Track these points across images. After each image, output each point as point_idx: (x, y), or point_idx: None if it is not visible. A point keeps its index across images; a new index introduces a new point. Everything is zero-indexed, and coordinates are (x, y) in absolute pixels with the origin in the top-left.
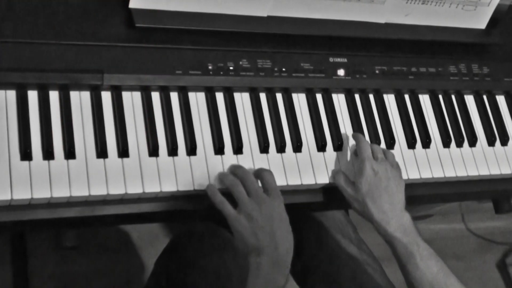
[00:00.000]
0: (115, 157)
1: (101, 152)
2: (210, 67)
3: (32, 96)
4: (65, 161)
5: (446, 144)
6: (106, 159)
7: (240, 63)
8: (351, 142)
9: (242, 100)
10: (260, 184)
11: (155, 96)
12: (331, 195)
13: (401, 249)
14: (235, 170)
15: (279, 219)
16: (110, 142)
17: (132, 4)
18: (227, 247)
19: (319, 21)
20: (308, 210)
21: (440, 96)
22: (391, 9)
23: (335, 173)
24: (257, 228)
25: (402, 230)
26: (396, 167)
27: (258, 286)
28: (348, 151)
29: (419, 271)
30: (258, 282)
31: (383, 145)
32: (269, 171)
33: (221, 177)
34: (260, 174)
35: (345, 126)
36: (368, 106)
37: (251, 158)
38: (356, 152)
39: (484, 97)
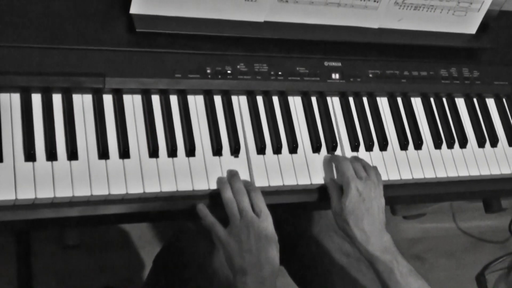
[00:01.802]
0: (116, 158)
1: (103, 153)
2: (208, 71)
3: (36, 99)
4: (68, 162)
5: (437, 145)
6: (107, 160)
7: (238, 67)
8: (346, 143)
9: (240, 103)
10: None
11: (155, 99)
12: (326, 195)
13: (381, 267)
14: (233, 184)
15: (265, 240)
16: (112, 144)
17: (132, 10)
18: None
19: (314, 26)
20: (303, 209)
21: (432, 99)
22: (384, 14)
23: (329, 183)
24: (243, 250)
25: (381, 249)
26: (378, 183)
27: None
28: (340, 153)
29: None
30: None
31: (376, 146)
32: (258, 192)
33: (219, 187)
34: (249, 195)
35: (340, 128)
36: (362, 108)
37: (248, 159)
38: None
39: (475, 100)
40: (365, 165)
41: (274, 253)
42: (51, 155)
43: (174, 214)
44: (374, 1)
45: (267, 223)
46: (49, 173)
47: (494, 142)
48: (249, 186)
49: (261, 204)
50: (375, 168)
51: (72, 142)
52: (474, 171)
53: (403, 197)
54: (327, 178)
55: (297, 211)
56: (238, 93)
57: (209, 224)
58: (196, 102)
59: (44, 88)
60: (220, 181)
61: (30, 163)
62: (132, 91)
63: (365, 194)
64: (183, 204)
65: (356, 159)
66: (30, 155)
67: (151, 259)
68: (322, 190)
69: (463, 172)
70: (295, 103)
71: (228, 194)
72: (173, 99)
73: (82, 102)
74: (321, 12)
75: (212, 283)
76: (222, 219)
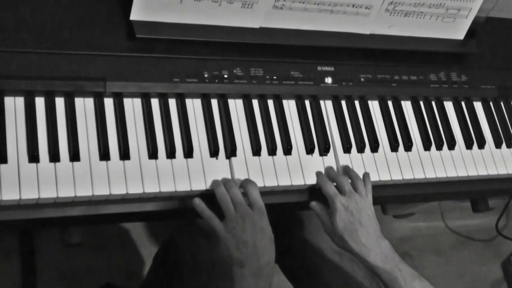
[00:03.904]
0: (117, 159)
1: (104, 155)
2: (206, 75)
3: (39, 102)
4: (70, 163)
5: (426, 147)
6: (108, 161)
7: (234, 71)
8: (338, 145)
9: (236, 106)
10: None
11: (155, 103)
12: (318, 195)
13: (385, 276)
14: (225, 181)
15: (261, 232)
16: (112, 146)
17: (133, 16)
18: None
19: (308, 32)
20: (297, 209)
21: (421, 103)
22: (375, 21)
23: (315, 207)
24: (240, 242)
25: (382, 258)
26: (367, 193)
27: None
28: (332, 154)
29: None
30: None
31: (368, 148)
32: (254, 185)
33: (213, 186)
34: (245, 187)
35: (333, 131)
36: (354, 112)
37: (244, 161)
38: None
39: (462, 103)
40: (352, 177)
41: (269, 243)
42: (54, 156)
43: (173, 214)
44: (366, 8)
45: (261, 214)
46: (52, 174)
47: (481, 144)
48: (244, 180)
49: (256, 196)
50: (366, 175)
51: (74, 144)
52: (462, 172)
53: (393, 197)
54: (312, 203)
55: (291, 211)
56: (235, 96)
57: (206, 218)
58: (194, 106)
59: (47, 92)
60: (213, 181)
61: (34, 164)
62: (132, 95)
63: (352, 206)
64: (182, 204)
65: (344, 170)
66: (33, 157)
67: (151, 257)
68: (315, 190)
69: (452, 173)
70: (290, 106)
71: (221, 189)
72: (172, 103)
73: (84, 106)
74: (314, 18)
75: (210, 280)
76: (221, 218)
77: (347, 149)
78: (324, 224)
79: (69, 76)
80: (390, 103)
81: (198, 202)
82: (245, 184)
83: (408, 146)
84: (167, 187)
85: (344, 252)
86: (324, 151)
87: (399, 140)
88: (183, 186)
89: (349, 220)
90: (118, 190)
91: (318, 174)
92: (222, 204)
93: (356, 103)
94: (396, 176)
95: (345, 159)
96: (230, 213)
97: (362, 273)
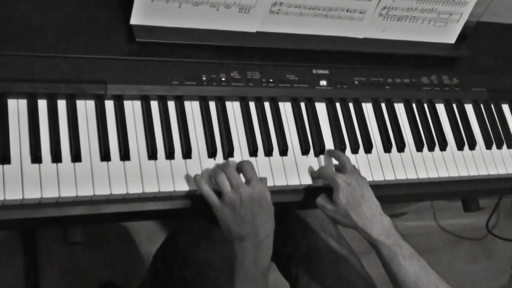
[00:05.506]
0: (117, 160)
1: (105, 156)
2: (204, 78)
3: (42, 104)
4: (72, 164)
5: (419, 148)
6: (109, 162)
7: (232, 74)
8: (333, 146)
9: (233, 108)
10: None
11: (154, 105)
12: (314, 195)
13: (385, 251)
14: (220, 165)
15: (258, 206)
16: (113, 147)
17: (133, 21)
18: (219, 242)
19: (303, 36)
20: (293, 208)
21: (414, 105)
22: (369, 25)
23: (318, 200)
24: (238, 217)
25: (384, 233)
26: (359, 171)
27: (244, 269)
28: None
29: (403, 270)
30: (244, 264)
31: (361, 149)
32: (248, 162)
33: (209, 172)
34: (239, 165)
35: (327, 132)
36: (348, 114)
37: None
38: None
39: (454, 105)
40: (344, 161)
41: (268, 216)
42: (56, 157)
43: (172, 213)
44: (360, 12)
45: (258, 188)
46: (54, 174)
47: (472, 145)
48: (239, 162)
49: (251, 172)
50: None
51: (75, 145)
52: (453, 172)
53: (386, 197)
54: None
55: (287, 210)
56: (232, 99)
57: (204, 194)
58: (192, 108)
59: (50, 94)
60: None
61: (36, 165)
62: (132, 97)
63: (353, 183)
64: (180, 203)
65: (329, 153)
66: (36, 157)
67: (151, 255)
68: (310, 190)
69: (443, 173)
70: (285, 108)
71: (216, 170)
72: (171, 105)
73: (85, 108)
74: (309, 23)
75: (210, 279)
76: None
77: (341, 150)
78: (325, 208)
79: (70, 79)
80: (383, 105)
81: (198, 178)
82: (240, 164)
83: (401, 147)
84: (166, 187)
85: (339, 250)
86: (319, 152)
87: (392, 141)
88: (182, 186)
89: (352, 195)
90: (119, 190)
91: (319, 169)
92: (219, 183)
93: (350, 105)
94: (389, 176)
95: None
96: (226, 190)
97: (356, 270)
